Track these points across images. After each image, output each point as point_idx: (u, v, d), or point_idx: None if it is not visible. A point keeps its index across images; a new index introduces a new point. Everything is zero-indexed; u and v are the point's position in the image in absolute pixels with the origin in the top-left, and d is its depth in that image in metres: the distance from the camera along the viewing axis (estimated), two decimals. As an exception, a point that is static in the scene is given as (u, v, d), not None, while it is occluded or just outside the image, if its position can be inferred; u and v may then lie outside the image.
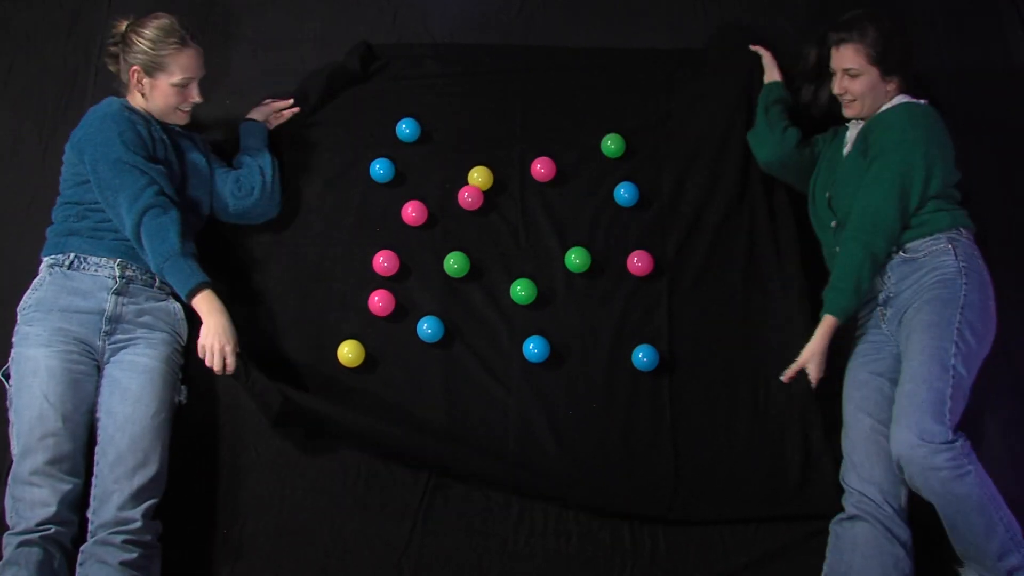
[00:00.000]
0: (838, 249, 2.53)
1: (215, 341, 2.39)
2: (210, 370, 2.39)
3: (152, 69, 2.51)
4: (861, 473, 2.40)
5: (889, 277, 2.49)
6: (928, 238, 2.45)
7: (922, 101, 2.55)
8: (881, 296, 2.51)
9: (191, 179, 2.58)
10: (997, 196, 2.72)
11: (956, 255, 2.41)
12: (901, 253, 2.48)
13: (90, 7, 2.94)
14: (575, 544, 2.54)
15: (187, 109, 2.57)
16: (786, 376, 2.55)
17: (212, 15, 2.94)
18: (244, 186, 2.64)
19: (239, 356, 2.42)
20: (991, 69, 2.90)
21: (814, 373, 2.52)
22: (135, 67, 2.51)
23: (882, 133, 2.49)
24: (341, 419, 2.49)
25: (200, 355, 2.41)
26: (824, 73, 2.68)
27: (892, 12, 2.71)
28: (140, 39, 2.50)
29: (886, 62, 2.54)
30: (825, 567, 2.42)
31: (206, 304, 2.40)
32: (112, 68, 2.60)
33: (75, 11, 2.94)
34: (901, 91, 2.58)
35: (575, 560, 2.53)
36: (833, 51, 2.60)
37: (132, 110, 2.52)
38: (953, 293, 2.37)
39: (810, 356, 2.51)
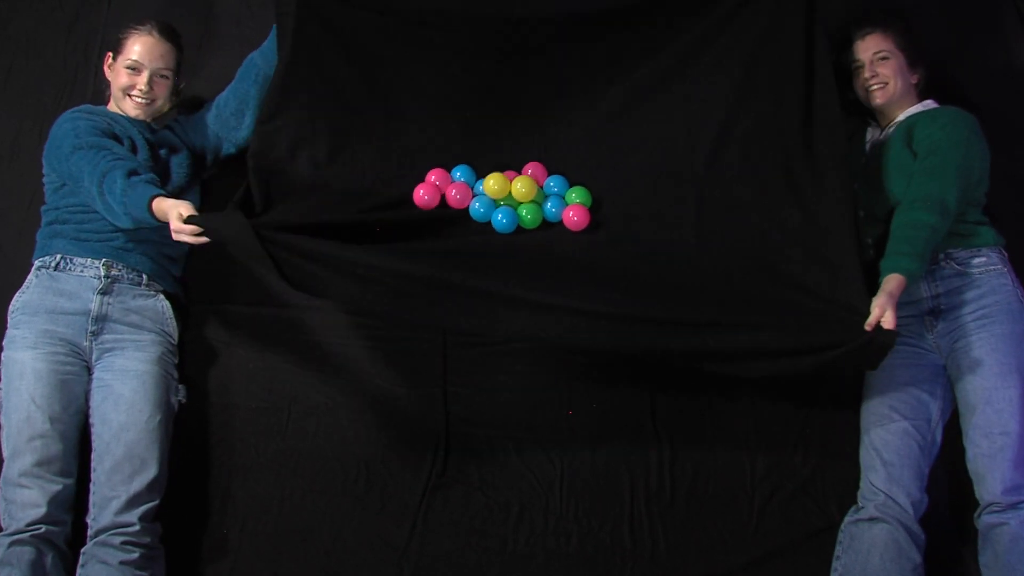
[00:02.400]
0: (870, 241, 2.49)
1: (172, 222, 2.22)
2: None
3: (116, 51, 2.55)
4: (891, 473, 2.39)
5: (937, 286, 2.46)
6: (977, 253, 2.46)
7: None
8: (927, 304, 2.46)
9: (173, 171, 2.56)
10: (997, 196, 2.71)
11: (1012, 280, 2.45)
12: (954, 264, 2.46)
13: (90, 7, 2.93)
14: (575, 544, 2.55)
15: (138, 99, 2.54)
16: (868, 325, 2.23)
17: (211, 16, 2.94)
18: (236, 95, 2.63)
19: (198, 216, 2.21)
20: (991, 69, 2.89)
21: (891, 321, 2.20)
22: (108, 51, 2.58)
23: (936, 130, 2.48)
24: (339, 251, 2.19)
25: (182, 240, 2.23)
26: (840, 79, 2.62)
27: (892, 11, 2.71)
28: (121, 27, 2.57)
29: (910, 50, 2.59)
30: (838, 566, 2.42)
31: (164, 204, 2.24)
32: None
33: (75, 11, 2.93)
34: (927, 92, 2.61)
35: (575, 560, 2.53)
36: (858, 44, 2.60)
37: (92, 112, 2.53)
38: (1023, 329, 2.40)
39: (883, 309, 2.20)
